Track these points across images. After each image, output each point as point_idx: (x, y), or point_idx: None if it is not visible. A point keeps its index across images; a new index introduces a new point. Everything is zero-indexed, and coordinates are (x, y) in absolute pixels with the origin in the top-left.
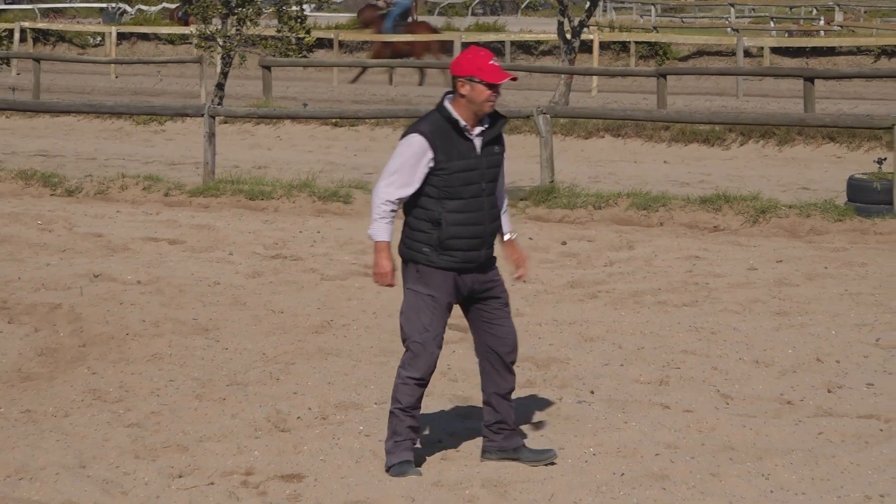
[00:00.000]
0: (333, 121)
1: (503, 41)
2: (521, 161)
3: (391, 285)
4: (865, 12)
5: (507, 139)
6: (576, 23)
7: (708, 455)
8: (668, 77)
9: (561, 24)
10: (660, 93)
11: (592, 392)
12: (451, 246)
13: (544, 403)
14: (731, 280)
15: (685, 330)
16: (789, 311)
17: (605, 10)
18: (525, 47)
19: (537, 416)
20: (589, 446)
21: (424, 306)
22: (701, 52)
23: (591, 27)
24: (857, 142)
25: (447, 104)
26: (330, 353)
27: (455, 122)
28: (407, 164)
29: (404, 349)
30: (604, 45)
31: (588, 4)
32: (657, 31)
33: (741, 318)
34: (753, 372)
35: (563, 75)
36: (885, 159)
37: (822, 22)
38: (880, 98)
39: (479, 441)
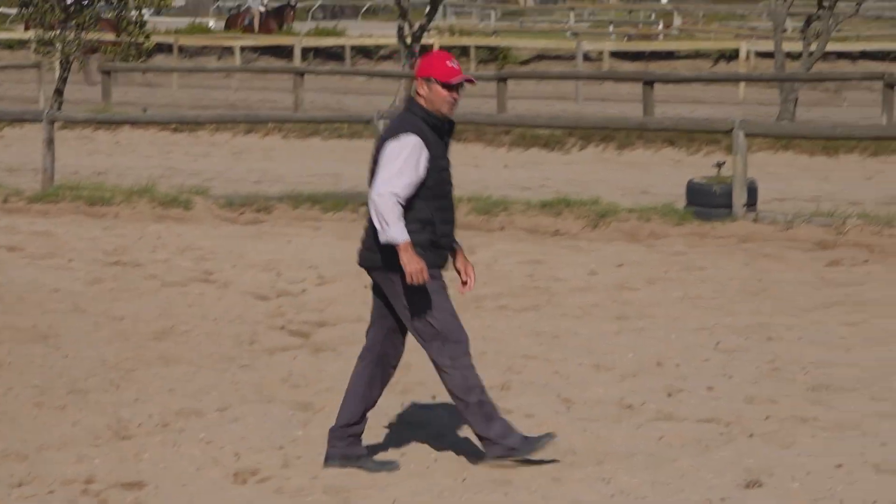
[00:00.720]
0: (173, 126)
1: (343, 46)
2: (361, 166)
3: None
4: (704, 16)
5: (347, 144)
6: (416, 27)
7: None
8: (508, 81)
9: (401, 28)
10: (500, 97)
11: (434, 397)
12: (442, 244)
13: (387, 409)
14: (572, 284)
15: (526, 334)
16: (630, 315)
17: (444, 15)
18: (365, 52)
19: (380, 422)
20: (431, 451)
21: (442, 297)
22: (541, 57)
23: (431, 31)
24: (697, 145)
25: (422, 105)
26: (171, 360)
27: (435, 123)
28: (409, 162)
29: (437, 347)
30: (444, 50)
31: (428, 9)
32: (497, 36)
33: (582, 323)
34: (594, 376)
35: (403, 80)
36: (724, 163)
37: (661, 26)
38: (719, 102)
39: (320, 447)
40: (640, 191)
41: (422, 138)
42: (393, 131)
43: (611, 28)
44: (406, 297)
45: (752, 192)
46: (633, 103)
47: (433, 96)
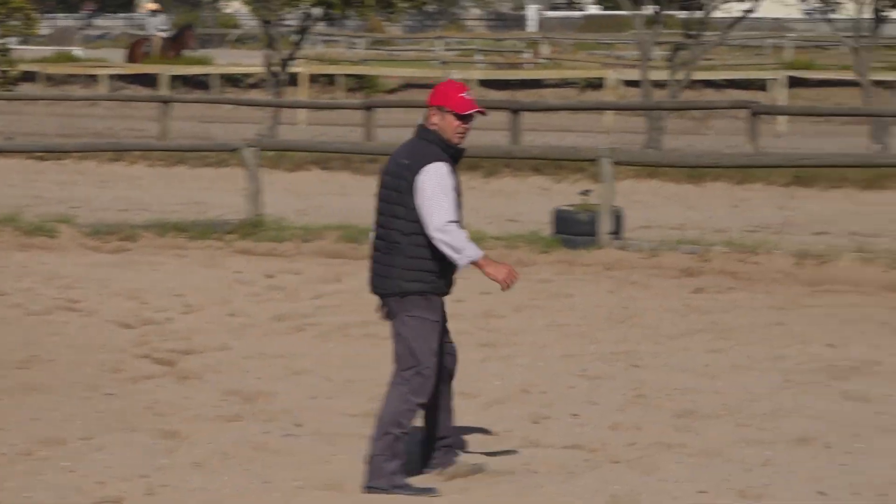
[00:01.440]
0: (39, 154)
1: (210, 74)
2: (227, 194)
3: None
4: (571, 45)
5: (213, 172)
6: (284, 55)
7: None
8: (375, 110)
9: (268, 56)
10: (367, 125)
11: (299, 425)
12: (451, 271)
13: (252, 437)
14: None
15: (391, 362)
16: (496, 342)
17: (312, 43)
18: (232, 80)
19: (245, 450)
20: (296, 480)
21: (432, 332)
22: (409, 85)
23: (299, 60)
24: (563, 173)
25: (437, 133)
26: (34, 389)
27: (450, 151)
28: (446, 189)
29: (409, 375)
30: (312, 78)
31: (296, 37)
32: (365, 64)
33: None
34: (460, 403)
35: (270, 108)
36: (591, 191)
37: (528, 55)
38: (586, 130)
39: (185, 475)
40: (506, 219)
41: (449, 167)
42: (418, 163)
43: (479, 56)
44: (402, 323)
45: (618, 219)
46: (500, 131)
47: (445, 125)
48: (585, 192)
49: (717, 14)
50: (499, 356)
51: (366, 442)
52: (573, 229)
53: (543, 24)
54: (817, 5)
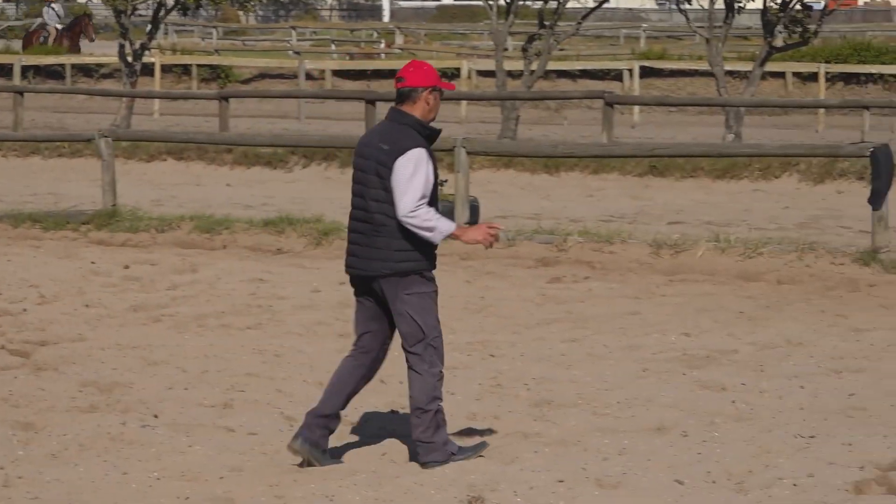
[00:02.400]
0: None
1: (63, 63)
2: (82, 185)
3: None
4: (425, 35)
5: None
6: (137, 45)
7: (273, 477)
8: (230, 100)
9: (122, 46)
10: (222, 116)
11: (156, 416)
12: (434, 249)
13: (109, 428)
14: (295, 302)
15: (249, 353)
16: (351, 332)
17: (166, 33)
18: (86, 70)
19: (102, 441)
20: (153, 471)
21: (432, 303)
22: (263, 75)
23: (153, 50)
24: None
25: (416, 116)
26: None
27: (427, 133)
28: (420, 176)
29: (420, 349)
30: (165, 68)
31: (149, 27)
32: (219, 54)
33: (305, 341)
34: (317, 394)
35: (124, 98)
36: (447, 181)
37: (382, 45)
38: (441, 120)
39: (41, 466)
40: None
41: (428, 151)
42: (398, 148)
43: (333, 47)
44: (402, 302)
45: (474, 210)
46: (355, 122)
47: (436, 105)
48: (441, 183)
49: (572, 4)
50: None
51: (223, 433)
52: None
53: (397, 13)
54: None
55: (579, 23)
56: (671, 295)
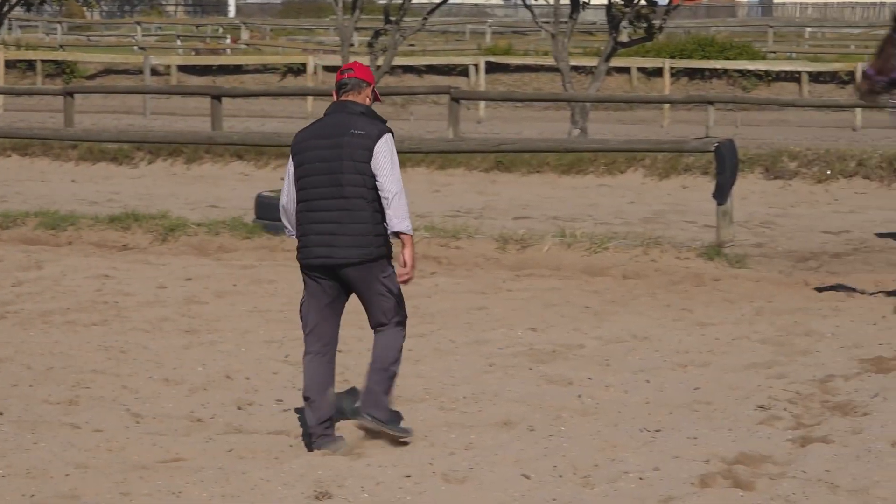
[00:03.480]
0: None
1: None
2: None
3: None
4: (271, 31)
5: None
6: None
7: (118, 474)
8: (75, 96)
9: None
10: (67, 111)
11: (1, 413)
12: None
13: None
14: (141, 299)
15: (95, 349)
16: (199, 328)
17: (10, 29)
18: None
19: None
20: None
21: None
22: (108, 71)
23: None
24: (265, 159)
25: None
26: None
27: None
28: (396, 159)
29: (398, 319)
30: (10, 64)
31: None
32: (64, 50)
33: (151, 337)
34: (164, 390)
35: None
36: None
37: (228, 40)
38: (287, 116)
39: None
40: (208, 205)
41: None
42: (375, 133)
43: (178, 42)
44: (382, 283)
45: None
46: (201, 117)
47: (372, 103)
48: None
49: (418, 0)
50: (202, 342)
51: (68, 430)
52: (275, 215)
53: (243, 9)
54: None
55: (425, 18)
56: (518, 290)
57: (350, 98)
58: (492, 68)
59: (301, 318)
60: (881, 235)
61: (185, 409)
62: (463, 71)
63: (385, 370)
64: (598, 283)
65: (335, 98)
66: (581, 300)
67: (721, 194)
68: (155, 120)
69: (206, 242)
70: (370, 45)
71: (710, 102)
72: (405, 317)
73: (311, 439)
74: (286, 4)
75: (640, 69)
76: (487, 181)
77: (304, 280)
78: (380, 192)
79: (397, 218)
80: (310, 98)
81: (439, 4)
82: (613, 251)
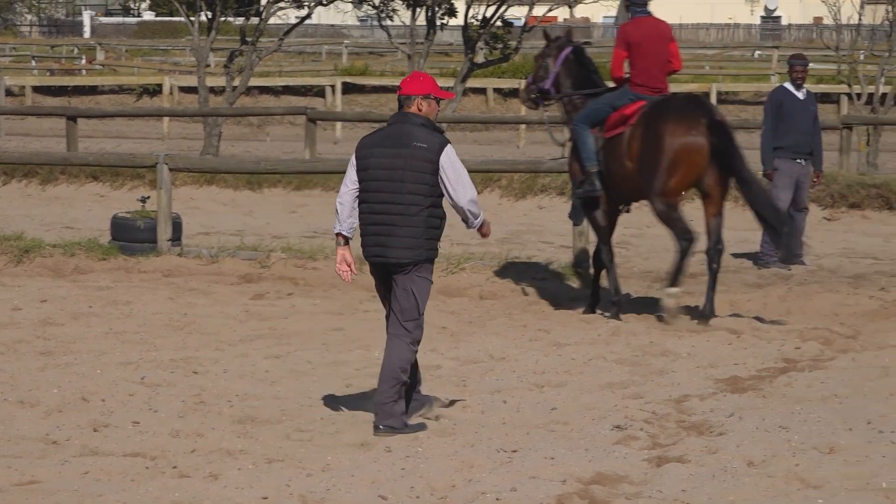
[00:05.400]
0: None
1: None
2: None
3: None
4: (127, 51)
5: None
6: None
7: None
8: None
9: None
10: None
11: None
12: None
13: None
14: None
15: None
16: (54, 350)
17: None
18: None
19: None
20: None
21: (430, 291)
22: None
23: None
24: (121, 180)
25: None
26: None
27: (439, 130)
28: (461, 166)
29: (412, 326)
30: None
31: None
32: None
33: (6, 359)
34: (18, 412)
35: None
36: (149, 197)
37: (83, 61)
38: (143, 136)
39: None
40: (63, 226)
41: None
42: (436, 145)
43: (33, 63)
44: (412, 281)
45: (176, 226)
46: (56, 138)
47: (429, 110)
48: (143, 199)
49: (274, 20)
50: (57, 364)
51: None
52: (131, 236)
53: (98, 29)
54: (372, 12)
55: (281, 39)
56: (374, 311)
57: (411, 110)
58: (348, 89)
59: (380, 298)
60: (736, 256)
61: (40, 432)
62: (319, 91)
63: (395, 379)
64: (455, 303)
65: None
66: (438, 321)
67: (577, 214)
68: (9, 141)
69: (62, 264)
70: (226, 66)
71: (566, 123)
72: (420, 326)
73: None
74: (142, 25)
75: (497, 90)
76: None
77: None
78: (454, 204)
79: (475, 220)
80: (166, 119)
81: (295, 25)
82: (470, 272)
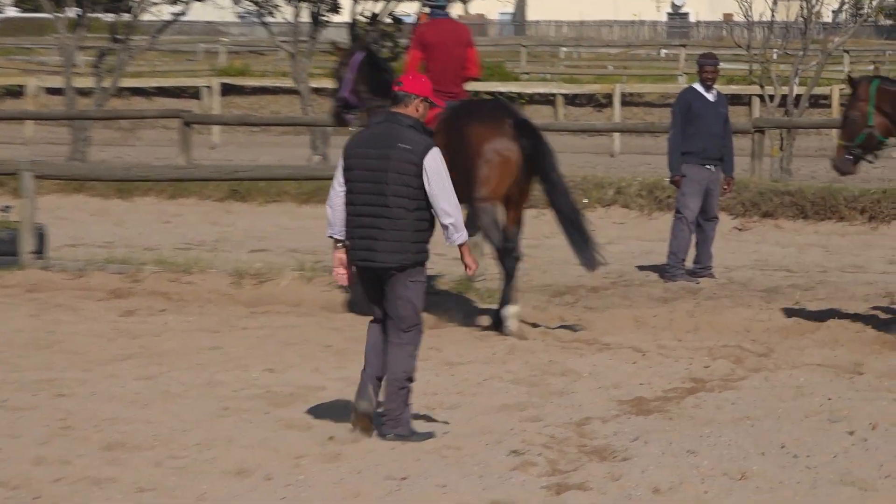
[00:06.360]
0: None
1: None
2: None
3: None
4: None
5: None
6: None
7: None
8: None
9: None
10: None
11: None
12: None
13: None
14: None
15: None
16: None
17: None
18: None
19: None
20: None
21: (424, 293)
22: None
23: None
24: None
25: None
26: None
27: (428, 133)
28: (447, 171)
29: (414, 332)
30: None
31: None
32: None
33: None
34: None
35: None
36: (11, 207)
37: None
38: (4, 142)
39: None
40: None
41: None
42: (421, 148)
43: None
44: (406, 287)
45: (41, 238)
46: None
47: (423, 113)
48: (5, 209)
49: (147, 17)
50: None
51: None
52: None
53: None
54: (252, 8)
55: (154, 36)
56: (253, 328)
57: (399, 110)
58: (226, 90)
59: (367, 303)
60: (641, 268)
61: None
62: (195, 93)
63: (400, 387)
64: (341, 319)
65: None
66: (322, 338)
67: (471, 224)
68: None
69: None
70: (95, 65)
71: None
72: (420, 332)
73: (361, 393)
74: (5, 22)
75: None
76: (222, 211)
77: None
78: (437, 211)
79: (457, 234)
80: (28, 122)
81: (170, 22)
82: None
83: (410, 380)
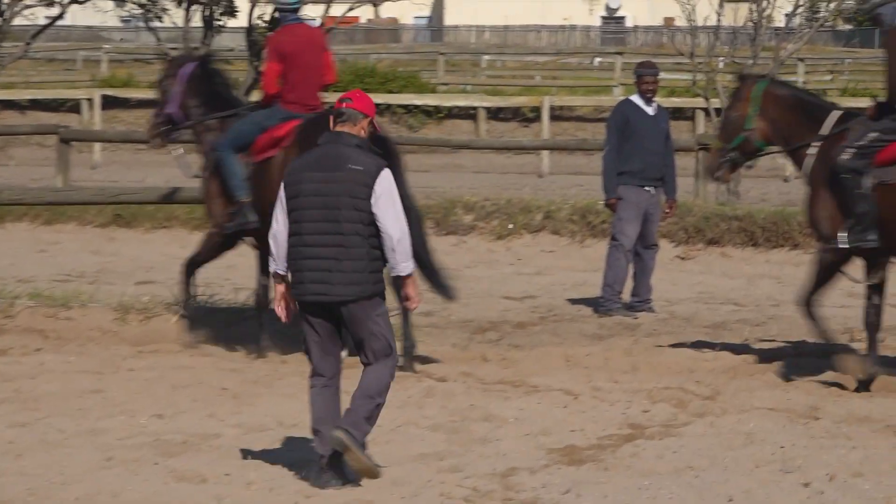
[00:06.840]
0: None
1: None
2: None
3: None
4: None
5: None
6: None
7: None
8: None
9: None
10: None
11: None
12: None
13: None
14: None
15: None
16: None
17: None
18: None
19: None
20: None
21: (390, 321)
22: None
23: None
24: None
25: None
26: None
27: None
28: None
29: (391, 360)
30: None
31: None
32: None
33: None
34: None
35: None
36: None
37: None
38: None
39: None
40: None
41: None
42: (373, 169)
43: None
44: (375, 323)
45: None
46: None
47: (366, 135)
48: None
49: (19, 21)
50: None
51: None
52: None
53: None
54: (138, 12)
55: (28, 43)
56: (140, 369)
57: (346, 129)
58: (109, 103)
59: (304, 351)
60: (573, 301)
61: None
62: (74, 106)
63: (371, 398)
64: (238, 359)
65: (331, 125)
66: (217, 380)
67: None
68: None
69: None
70: None
71: None
72: (394, 359)
73: (321, 470)
74: None
75: None
76: (104, 238)
77: (301, 315)
78: (383, 235)
79: (403, 262)
80: None
81: (45, 27)
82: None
83: (381, 395)
